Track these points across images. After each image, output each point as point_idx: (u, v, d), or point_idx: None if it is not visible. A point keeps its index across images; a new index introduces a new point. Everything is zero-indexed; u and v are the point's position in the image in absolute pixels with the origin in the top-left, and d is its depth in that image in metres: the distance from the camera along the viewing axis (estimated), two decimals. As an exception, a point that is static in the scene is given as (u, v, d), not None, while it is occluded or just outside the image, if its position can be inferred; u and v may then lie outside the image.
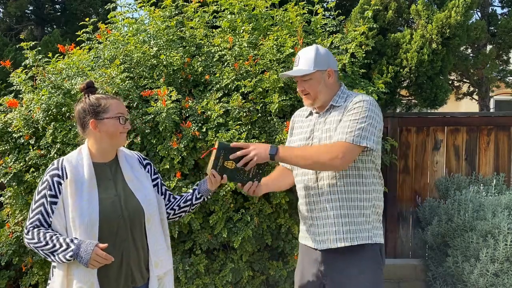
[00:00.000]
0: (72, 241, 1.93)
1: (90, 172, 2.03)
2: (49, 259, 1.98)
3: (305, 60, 2.33)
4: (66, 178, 2.00)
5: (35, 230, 1.98)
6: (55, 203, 1.99)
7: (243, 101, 3.36)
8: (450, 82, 7.87)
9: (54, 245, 1.94)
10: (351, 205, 2.26)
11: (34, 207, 2.01)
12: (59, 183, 2.00)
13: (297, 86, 2.39)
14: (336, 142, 2.19)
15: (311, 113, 2.43)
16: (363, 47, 3.76)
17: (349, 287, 2.24)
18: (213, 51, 3.68)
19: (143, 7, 3.87)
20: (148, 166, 2.25)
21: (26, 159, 3.46)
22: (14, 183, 3.48)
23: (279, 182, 2.51)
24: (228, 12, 3.81)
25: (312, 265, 2.34)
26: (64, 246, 1.93)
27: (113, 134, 2.07)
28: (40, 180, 2.08)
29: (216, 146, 2.22)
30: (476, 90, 7.96)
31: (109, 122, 2.06)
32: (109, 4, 4.13)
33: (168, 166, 3.29)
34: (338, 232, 2.25)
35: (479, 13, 7.61)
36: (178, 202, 2.28)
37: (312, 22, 3.89)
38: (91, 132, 2.07)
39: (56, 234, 1.97)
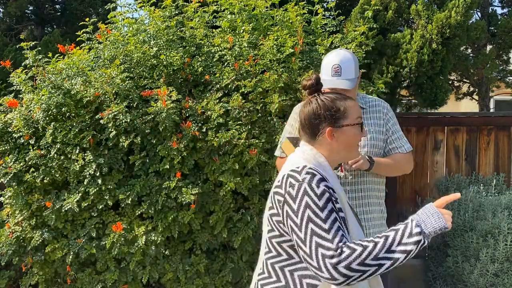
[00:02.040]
0: (398, 225, 1.54)
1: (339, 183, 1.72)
2: (386, 265, 1.47)
3: (347, 69, 2.34)
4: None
5: (345, 245, 1.48)
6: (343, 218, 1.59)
7: (243, 101, 3.36)
8: (450, 82, 7.87)
9: (386, 237, 1.50)
10: (372, 202, 2.41)
11: (328, 227, 1.49)
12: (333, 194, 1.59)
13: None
14: (408, 153, 2.50)
15: None
16: (363, 47, 3.76)
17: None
18: (213, 51, 3.68)
19: (143, 7, 3.87)
20: None
21: (26, 159, 3.46)
22: (14, 183, 3.48)
23: None
24: (228, 12, 3.81)
25: None
26: (400, 227, 1.53)
27: (352, 144, 1.71)
28: (302, 195, 1.54)
29: None
30: (476, 90, 7.96)
31: (349, 130, 1.68)
32: (109, 4, 4.13)
33: (168, 166, 3.29)
34: (371, 227, 2.37)
35: (479, 13, 7.61)
36: None
37: (312, 22, 3.90)
38: (324, 141, 1.68)
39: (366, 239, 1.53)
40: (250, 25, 3.70)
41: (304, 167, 1.60)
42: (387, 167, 2.41)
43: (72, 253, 3.33)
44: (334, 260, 1.44)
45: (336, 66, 2.33)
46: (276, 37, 3.51)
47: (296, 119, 2.54)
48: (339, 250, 1.45)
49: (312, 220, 1.49)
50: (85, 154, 3.36)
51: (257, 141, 3.28)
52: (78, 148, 3.38)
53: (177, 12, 3.94)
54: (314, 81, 1.70)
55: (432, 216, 1.54)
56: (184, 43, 3.73)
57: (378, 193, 2.46)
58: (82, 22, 4.00)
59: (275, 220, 1.61)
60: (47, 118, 3.48)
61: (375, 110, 2.47)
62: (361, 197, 2.37)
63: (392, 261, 1.47)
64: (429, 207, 1.55)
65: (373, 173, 2.39)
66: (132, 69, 3.66)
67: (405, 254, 1.48)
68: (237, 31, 3.69)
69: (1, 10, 9.73)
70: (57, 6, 10.13)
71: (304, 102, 1.74)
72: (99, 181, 3.33)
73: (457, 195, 1.59)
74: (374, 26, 4.29)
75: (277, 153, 2.70)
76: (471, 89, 8.34)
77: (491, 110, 10.00)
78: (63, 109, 3.49)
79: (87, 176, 3.35)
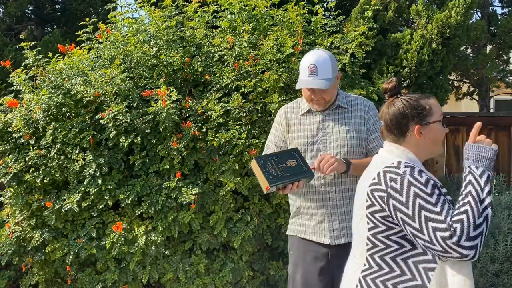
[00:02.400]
0: (465, 179, 1.61)
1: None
2: (489, 213, 1.54)
3: (324, 69, 2.34)
4: None
5: (451, 221, 1.53)
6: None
7: (243, 101, 3.36)
8: (450, 82, 7.88)
9: (469, 192, 1.56)
10: None
11: (439, 209, 1.55)
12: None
13: (311, 94, 2.36)
14: None
15: (309, 111, 2.46)
16: (363, 47, 3.76)
17: None
18: (213, 51, 3.68)
19: (143, 7, 3.87)
20: None
21: (26, 159, 3.46)
22: (14, 183, 3.48)
23: None
24: (228, 12, 3.81)
25: (320, 260, 2.38)
26: (467, 177, 1.60)
27: (438, 140, 1.78)
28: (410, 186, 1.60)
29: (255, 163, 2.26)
30: (476, 90, 7.96)
31: (436, 126, 1.75)
32: (109, 4, 4.13)
33: (168, 166, 3.29)
34: (350, 228, 2.35)
35: (479, 13, 7.61)
36: None
37: (312, 22, 3.90)
38: (412, 139, 1.74)
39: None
40: (250, 25, 3.70)
41: (399, 162, 1.67)
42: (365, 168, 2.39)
43: (72, 253, 3.33)
44: (455, 239, 1.50)
45: (312, 66, 2.34)
46: (276, 37, 3.51)
47: (280, 122, 2.54)
48: (452, 228, 1.51)
49: (424, 208, 1.56)
50: (85, 154, 3.36)
51: (257, 141, 3.28)
52: (78, 148, 3.38)
53: (177, 12, 3.94)
54: (395, 83, 1.78)
55: (479, 151, 1.61)
56: (184, 43, 3.73)
57: None
58: (82, 22, 4.00)
59: (378, 216, 1.66)
60: (47, 118, 3.48)
61: (357, 109, 2.46)
62: (342, 198, 2.37)
63: (490, 207, 1.55)
64: (469, 147, 1.63)
65: (354, 175, 2.36)
66: (132, 69, 3.66)
67: (491, 194, 1.57)
68: (237, 31, 3.69)
69: (1, 10, 9.73)
70: (57, 6, 10.13)
71: (386, 103, 1.79)
72: (99, 181, 3.33)
73: (478, 124, 1.68)
74: (374, 26, 4.29)
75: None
76: (471, 89, 8.34)
77: (491, 110, 10.00)
78: (63, 109, 3.49)
79: (87, 176, 3.35)
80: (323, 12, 3.92)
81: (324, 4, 5.98)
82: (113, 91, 3.44)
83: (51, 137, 3.39)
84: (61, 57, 3.88)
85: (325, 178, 2.38)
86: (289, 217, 3.39)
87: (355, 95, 2.55)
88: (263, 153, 2.58)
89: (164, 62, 3.55)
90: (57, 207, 3.36)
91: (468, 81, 8.02)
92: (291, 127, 2.50)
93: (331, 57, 2.39)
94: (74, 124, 3.41)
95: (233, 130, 3.25)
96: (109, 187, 3.33)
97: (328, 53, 2.42)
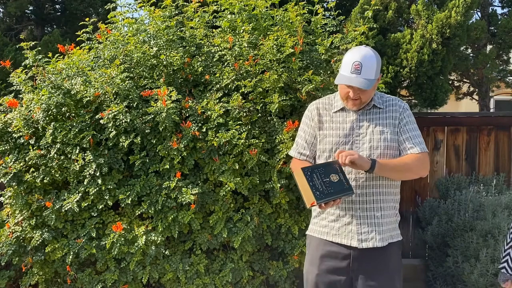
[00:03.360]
0: None
1: None
2: None
3: (368, 69, 2.25)
4: None
5: None
6: None
7: (243, 101, 3.36)
8: (450, 82, 7.87)
9: None
10: (388, 206, 2.37)
11: None
12: None
13: (349, 92, 2.28)
14: (421, 154, 2.32)
15: (343, 109, 2.38)
16: (363, 47, 3.75)
17: (378, 280, 2.33)
18: (213, 51, 3.68)
19: (143, 7, 3.86)
20: None
21: (26, 159, 3.46)
22: (14, 183, 3.48)
23: None
24: (228, 12, 3.81)
25: (340, 262, 2.34)
26: None
27: None
28: None
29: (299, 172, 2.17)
30: (476, 90, 7.96)
31: None
32: (109, 4, 4.13)
33: (168, 166, 3.29)
34: (383, 232, 2.34)
35: (479, 13, 7.61)
36: None
37: (312, 22, 3.89)
38: None
39: None
40: (250, 25, 3.70)
41: None
42: (394, 169, 2.29)
43: (72, 253, 3.33)
44: None
45: (357, 63, 2.23)
46: (276, 37, 3.51)
47: (311, 117, 2.44)
48: None
49: None
50: (85, 154, 3.36)
51: (257, 141, 3.28)
52: (78, 148, 3.38)
53: (177, 12, 3.94)
54: None
55: None
56: (184, 43, 3.73)
57: (392, 196, 2.37)
58: (82, 22, 4.00)
59: None
60: (47, 118, 3.48)
61: (392, 110, 2.38)
62: (372, 201, 2.31)
63: None
64: None
65: (386, 178, 2.31)
66: (132, 69, 3.66)
67: None
68: (237, 31, 3.69)
69: (1, 10, 9.73)
70: (57, 6, 10.13)
71: None
72: (99, 181, 3.33)
73: None
74: (374, 26, 4.29)
75: (292, 153, 2.53)
76: (471, 89, 8.34)
77: (491, 110, 10.00)
78: (63, 109, 3.49)
79: (87, 176, 3.35)
80: (323, 12, 3.91)
81: (324, 4, 5.97)
82: (113, 91, 3.45)
83: (51, 137, 3.39)
84: (61, 57, 3.88)
85: (356, 180, 2.31)
86: (288, 217, 3.41)
87: (389, 95, 2.47)
88: (292, 150, 2.51)
89: (164, 62, 3.55)
90: (57, 207, 3.36)
91: (468, 81, 8.02)
92: (323, 124, 2.39)
93: (377, 57, 2.31)
94: (74, 124, 3.41)
95: (233, 130, 3.25)
96: (109, 187, 3.33)
97: (375, 52, 2.33)
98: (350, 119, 2.36)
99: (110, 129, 3.32)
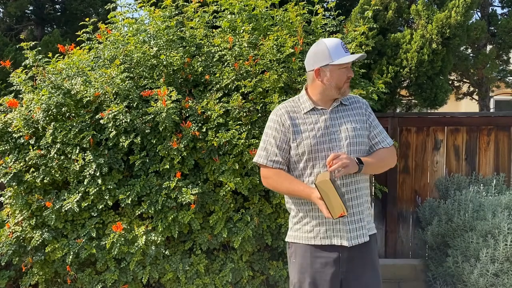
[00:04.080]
0: None
1: None
2: None
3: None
4: None
5: None
6: None
7: (243, 101, 3.36)
8: (450, 82, 7.87)
9: None
10: (366, 200, 2.41)
11: None
12: None
13: (347, 74, 2.36)
14: (392, 147, 2.45)
15: (313, 110, 2.37)
16: (363, 47, 3.76)
17: (367, 275, 2.34)
18: (213, 51, 3.68)
19: (143, 7, 3.87)
20: None
21: (26, 159, 3.46)
22: (14, 183, 3.48)
23: None
24: (228, 12, 3.81)
25: (330, 265, 2.32)
26: None
27: None
28: None
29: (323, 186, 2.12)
30: (476, 90, 7.96)
31: None
32: (109, 4, 4.13)
33: (168, 166, 3.29)
34: (367, 224, 2.37)
35: (479, 13, 7.61)
36: None
37: (312, 22, 3.89)
38: None
39: None
40: (250, 25, 3.70)
41: None
42: (375, 165, 2.37)
43: (72, 253, 3.33)
44: None
45: (343, 44, 2.36)
46: (276, 37, 3.51)
47: (281, 123, 2.37)
48: None
49: None
50: (85, 154, 3.36)
51: (257, 141, 3.28)
52: (78, 148, 3.38)
53: (177, 12, 3.94)
54: None
55: None
56: (184, 43, 3.73)
57: (367, 191, 2.43)
58: (82, 22, 4.00)
59: None
60: (47, 118, 3.48)
61: (356, 106, 2.42)
62: (356, 197, 2.33)
63: None
64: None
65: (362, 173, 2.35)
66: (132, 69, 3.66)
67: None
68: (237, 31, 3.69)
69: (1, 10, 9.73)
70: (57, 6, 10.12)
71: None
72: (99, 181, 3.33)
73: None
74: (374, 26, 4.29)
75: (262, 161, 2.40)
76: (471, 89, 8.34)
77: (491, 110, 10.00)
78: (63, 109, 3.49)
79: (87, 176, 3.35)
80: (323, 12, 3.91)
81: (324, 4, 5.97)
82: (113, 91, 3.45)
83: (51, 137, 3.39)
84: (61, 57, 3.88)
85: (339, 178, 2.31)
86: (289, 217, 3.40)
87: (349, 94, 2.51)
88: (261, 157, 2.41)
89: (164, 62, 3.55)
90: (57, 207, 3.36)
91: (468, 81, 8.02)
92: (297, 127, 2.36)
93: None
94: (74, 124, 3.41)
95: (233, 130, 3.25)
96: (109, 187, 3.33)
97: None
98: (322, 118, 2.36)
99: (110, 129, 3.32)
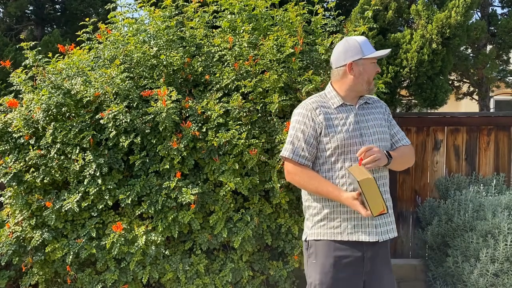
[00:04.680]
0: None
1: None
2: None
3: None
4: None
5: None
6: None
7: (243, 101, 3.36)
8: (450, 82, 7.87)
9: None
10: (390, 196, 2.44)
11: None
12: None
13: (376, 68, 2.45)
14: (410, 145, 2.53)
15: (342, 105, 2.39)
16: (363, 47, 3.75)
17: (386, 275, 2.37)
18: (213, 51, 3.68)
19: (143, 7, 3.87)
20: None
21: (26, 159, 3.46)
22: (14, 183, 3.48)
23: None
24: (228, 12, 3.81)
25: (354, 266, 2.30)
26: None
27: None
28: None
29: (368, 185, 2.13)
30: (476, 90, 7.96)
31: None
32: (109, 4, 4.13)
33: (168, 166, 3.29)
34: (393, 222, 2.40)
35: (479, 13, 7.61)
36: None
37: (312, 22, 3.89)
38: None
39: None
40: (250, 25, 3.70)
41: None
42: (399, 161, 2.42)
43: (72, 253, 3.33)
44: None
45: (367, 40, 2.43)
46: (276, 37, 3.51)
47: (310, 117, 2.36)
48: None
49: None
50: (85, 154, 3.36)
51: (257, 141, 3.28)
52: (78, 148, 3.38)
53: (177, 12, 3.94)
54: None
55: None
56: (184, 43, 3.73)
57: (388, 186, 2.48)
58: (82, 22, 4.00)
59: None
60: (47, 118, 3.48)
61: (378, 106, 2.50)
62: (384, 192, 2.35)
63: None
64: None
65: (385, 169, 2.42)
66: (132, 69, 3.66)
67: None
68: (237, 31, 3.69)
69: (1, 10, 9.73)
70: (57, 6, 10.12)
71: None
72: (99, 181, 3.33)
73: None
74: (374, 26, 4.28)
75: (289, 155, 2.39)
76: (471, 89, 8.34)
77: (491, 110, 9.99)
78: (63, 109, 3.49)
79: (87, 176, 3.35)
80: (323, 12, 3.91)
81: (324, 4, 5.97)
82: (113, 91, 3.45)
83: (51, 137, 3.39)
84: (61, 57, 3.88)
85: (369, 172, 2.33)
86: (288, 217, 3.41)
87: None
88: (287, 151, 2.39)
89: (164, 62, 3.55)
90: (57, 207, 3.36)
91: (468, 81, 8.02)
92: (329, 121, 2.34)
93: None
94: (74, 124, 3.41)
95: (233, 130, 3.25)
96: (109, 187, 3.33)
97: None
98: (352, 114, 2.39)
99: (110, 129, 3.32)
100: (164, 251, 3.36)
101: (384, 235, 2.32)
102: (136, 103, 3.43)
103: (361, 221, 2.30)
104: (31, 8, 9.57)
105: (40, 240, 3.39)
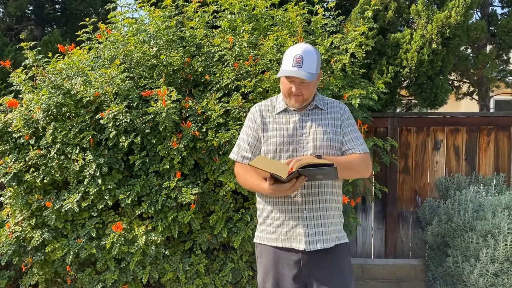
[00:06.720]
0: None
1: None
2: None
3: (309, 62, 2.29)
4: None
5: None
6: None
7: (243, 101, 3.36)
8: (450, 82, 7.87)
9: None
10: (332, 206, 2.36)
11: None
12: None
13: (292, 87, 2.31)
14: (364, 154, 2.37)
15: (285, 110, 2.39)
16: (363, 47, 3.76)
17: (334, 283, 2.30)
18: (213, 51, 3.68)
19: (143, 7, 3.87)
20: None
21: (26, 159, 3.46)
22: (14, 183, 3.48)
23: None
24: (228, 12, 3.81)
25: (292, 268, 2.32)
26: None
27: None
28: None
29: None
30: (476, 90, 7.96)
31: None
32: (109, 4, 4.13)
33: (168, 166, 3.29)
34: (329, 233, 2.32)
35: (479, 13, 7.60)
36: None
37: (312, 22, 3.90)
38: None
39: None
40: (250, 25, 3.70)
41: None
42: (344, 167, 2.27)
43: (72, 253, 3.33)
44: None
45: (298, 57, 2.28)
46: (276, 37, 3.51)
47: (253, 120, 2.42)
48: None
49: None
50: (85, 154, 3.37)
51: (257, 141, 3.27)
52: (78, 148, 3.38)
53: (177, 12, 3.94)
54: None
55: None
56: (184, 43, 3.73)
57: (336, 197, 2.39)
58: (82, 22, 4.00)
59: None
60: (47, 118, 3.48)
61: (333, 111, 2.42)
62: (318, 201, 2.30)
63: None
64: None
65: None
66: (132, 69, 3.66)
67: None
68: (237, 31, 3.69)
69: (1, 10, 9.73)
70: (57, 6, 10.12)
71: None
72: (99, 181, 3.33)
73: None
74: (374, 26, 4.29)
75: (234, 156, 2.44)
76: (471, 89, 8.33)
77: (491, 110, 9.99)
78: (63, 109, 3.50)
79: (87, 176, 3.35)
80: (323, 12, 3.92)
81: (324, 4, 5.97)
82: (113, 91, 3.45)
83: (51, 137, 3.39)
84: (61, 57, 3.88)
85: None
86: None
87: (331, 98, 2.51)
88: (234, 153, 2.44)
89: (164, 62, 3.56)
90: (57, 207, 3.37)
91: (468, 81, 8.01)
92: (267, 125, 2.39)
93: (317, 53, 2.36)
94: (74, 124, 3.41)
95: (233, 130, 3.25)
96: (109, 187, 3.33)
97: (315, 48, 2.39)
98: (293, 120, 2.38)
99: (110, 129, 3.32)
100: (164, 251, 3.36)
101: (312, 244, 2.28)
102: (136, 103, 3.44)
103: (292, 228, 2.31)
104: (31, 8, 9.58)
105: (40, 240, 3.39)
